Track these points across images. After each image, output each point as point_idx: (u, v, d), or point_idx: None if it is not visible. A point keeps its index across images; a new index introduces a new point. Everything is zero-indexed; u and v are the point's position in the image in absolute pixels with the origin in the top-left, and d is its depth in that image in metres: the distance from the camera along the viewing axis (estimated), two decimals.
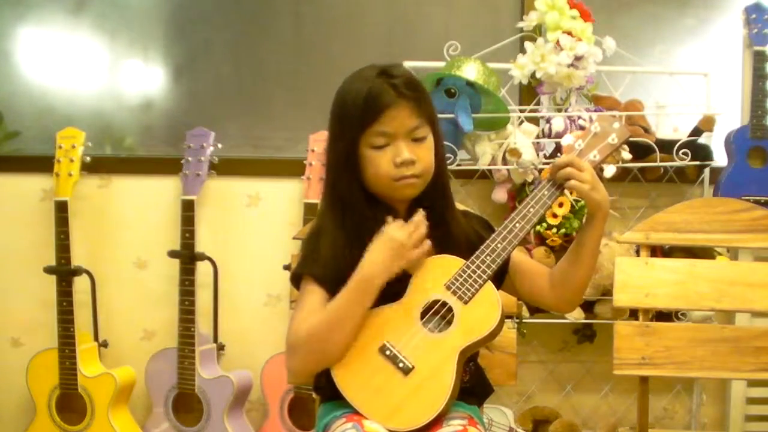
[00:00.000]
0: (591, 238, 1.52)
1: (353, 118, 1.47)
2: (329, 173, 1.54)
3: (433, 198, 1.54)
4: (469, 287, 1.45)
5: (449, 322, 1.45)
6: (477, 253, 1.48)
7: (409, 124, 1.47)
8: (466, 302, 1.45)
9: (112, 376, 2.58)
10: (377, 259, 1.44)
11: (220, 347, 2.73)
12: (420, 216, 1.48)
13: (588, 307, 2.57)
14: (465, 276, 1.46)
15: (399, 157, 1.47)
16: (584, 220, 1.55)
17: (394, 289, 1.47)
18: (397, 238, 1.45)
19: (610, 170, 2.41)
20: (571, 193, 2.34)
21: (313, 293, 1.49)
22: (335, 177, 1.52)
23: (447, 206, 1.56)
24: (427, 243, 1.47)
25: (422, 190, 1.52)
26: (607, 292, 2.48)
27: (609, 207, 1.52)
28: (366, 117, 1.46)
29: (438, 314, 1.46)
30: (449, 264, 1.48)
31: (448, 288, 1.46)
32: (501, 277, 1.57)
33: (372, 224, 1.50)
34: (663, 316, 2.40)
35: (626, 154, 2.47)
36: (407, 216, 1.54)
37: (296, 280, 1.54)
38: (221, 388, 2.58)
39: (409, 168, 1.47)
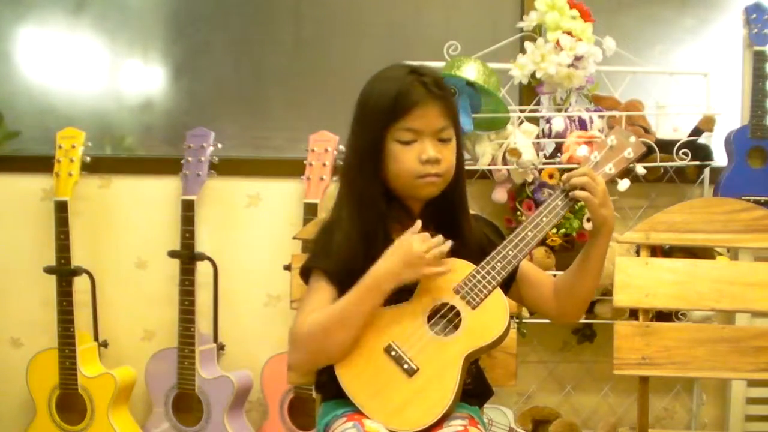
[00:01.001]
0: (595, 252, 1.53)
1: (382, 112, 1.47)
2: (350, 168, 1.54)
3: (450, 201, 1.54)
4: (478, 293, 1.45)
5: (456, 327, 1.46)
6: (488, 258, 1.48)
7: (437, 123, 1.48)
8: (474, 307, 1.45)
9: (112, 376, 2.58)
10: (390, 264, 1.44)
11: (220, 347, 2.73)
12: (444, 241, 1.46)
13: (588, 307, 2.56)
14: (474, 281, 1.46)
15: (425, 154, 1.47)
16: (590, 234, 1.55)
17: (402, 290, 1.47)
18: (415, 250, 1.43)
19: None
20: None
21: (322, 289, 1.50)
22: (357, 171, 1.51)
23: (462, 210, 1.56)
24: (446, 265, 1.45)
25: (441, 190, 1.52)
26: (607, 292, 2.48)
27: (614, 224, 1.52)
28: (396, 111, 1.46)
29: (445, 318, 1.46)
30: (459, 268, 1.48)
31: (457, 292, 1.46)
32: (508, 284, 1.57)
33: (387, 221, 1.51)
34: (663, 316, 2.40)
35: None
36: (421, 216, 1.54)
37: (306, 274, 1.54)
38: (221, 388, 2.58)
39: (434, 166, 1.48)
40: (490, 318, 1.45)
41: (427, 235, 1.45)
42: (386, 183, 1.51)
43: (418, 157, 1.47)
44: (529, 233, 1.50)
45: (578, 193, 1.48)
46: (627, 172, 2.59)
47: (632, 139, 1.56)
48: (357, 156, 1.51)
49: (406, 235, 1.46)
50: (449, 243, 1.46)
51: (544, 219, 1.51)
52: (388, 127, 1.47)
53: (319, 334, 1.45)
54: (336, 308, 1.45)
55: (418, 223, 1.46)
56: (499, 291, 1.47)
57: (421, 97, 1.46)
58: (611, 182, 1.55)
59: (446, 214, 1.54)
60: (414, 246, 1.43)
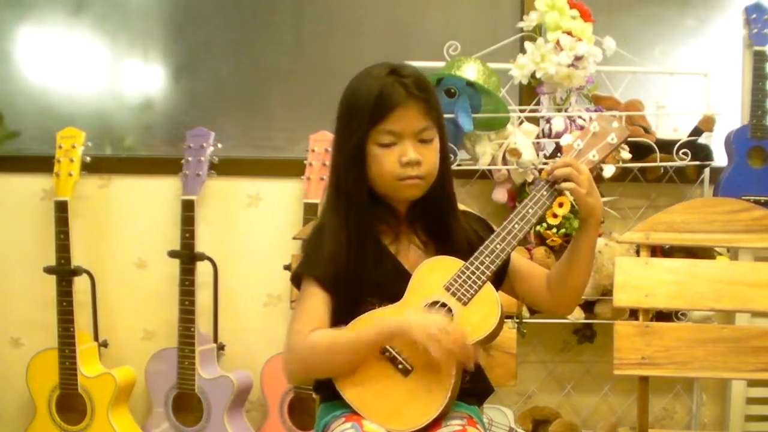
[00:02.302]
0: (585, 243, 1.52)
1: (363, 115, 1.46)
2: (336, 170, 1.53)
3: (437, 200, 1.53)
4: (468, 288, 1.45)
5: None
6: (476, 254, 1.47)
7: (417, 125, 1.47)
8: (465, 303, 1.44)
9: (112, 376, 2.58)
10: (410, 321, 1.40)
11: (220, 347, 2.73)
12: (472, 349, 1.41)
13: (588, 307, 2.57)
14: (464, 277, 1.46)
15: (405, 156, 1.46)
16: (579, 225, 1.55)
17: (393, 290, 1.47)
18: (437, 330, 1.37)
19: (609, 170, 2.41)
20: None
21: (314, 295, 1.49)
22: (342, 174, 1.50)
23: (450, 208, 1.56)
24: (453, 356, 1.39)
25: (425, 191, 1.51)
26: (607, 292, 2.48)
27: (602, 213, 1.52)
28: (375, 115, 1.45)
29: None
30: (448, 265, 1.48)
31: (447, 289, 1.45)
32: (500, 278, 1.56)
33: (374, 222, 1.51)
34: (663, 316, 2.40)
35: (626, 154, 2.47)
36: (407, 216, 1.54)
37: (297, 281, 1.54)
38: (221, 388, 2.58)
39: (414, 168, 1.47)
40: (481, 313, 1.44)
41: (457, 328, 1.40)
42: (371, 185, 1.51)
43: (398, 160, 1.46)
44: (516, 225, 1.49)
45: (563, 185, 1.48)
46: (625, 172, 2.62)
47: (615, 124, 1.54)
48: (342, 159, 1.50)
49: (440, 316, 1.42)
50: (466, 348, 1.40)
51: (530, 211, 1.50)
52: (369, 130, 1.46)
53: (320, 357, 1.45)
54: (342, 340, 1.44)
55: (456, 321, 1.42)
56: (489, 285, 1.46)
57: (400, 98, 1.45)
58: (597, 169, 1.54)
59: (433, 213, 1.54)
60: (440, 326, 1.37)
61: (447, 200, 1.55)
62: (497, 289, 1.51)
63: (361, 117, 1.46)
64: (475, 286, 1.45)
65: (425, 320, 1.40)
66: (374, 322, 1.43)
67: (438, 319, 1.39)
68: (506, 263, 1.55)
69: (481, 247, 1.48)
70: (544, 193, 1.51)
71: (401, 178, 1.48)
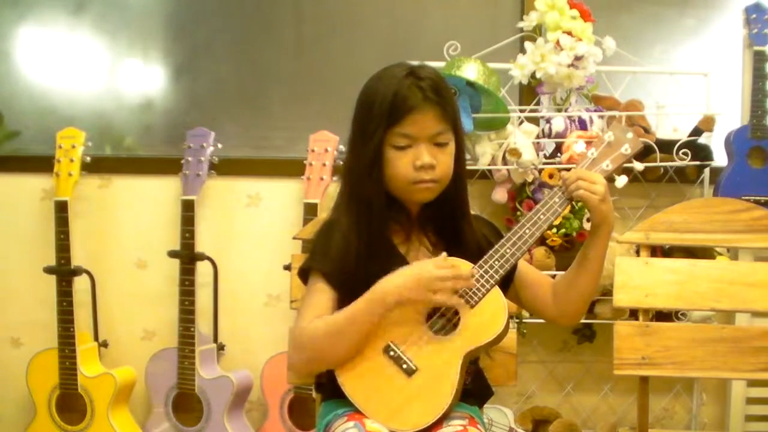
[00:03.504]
0: (595, 250, 1.52)
1: (379, 118, 1.46)
2: (351, 171, 1.53)
3: (449, 203, 1.54)
4: (477, 291, 1.45)
5: (455, 325, 1.45)
6: (485, 257, 1.47)
7: (432, 128, 1.47)
8: (472, 306, 1.44)
9: (112, 376, 2.58)
10: (401, 281, 1.42)
11: (220, 347, 2.73)
12: (468, 269, 1.44)
13: (588, 307, 2.56)
14: (473, 280, 1.46)
15: (419, 160, 1.46)
16: (589, 233, 1.54)
17: None
18: (431, 274, 1.40)
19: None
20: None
21: (321, 291, 1.49)
22: (358, 176, 1.50)
23: (462, 211, 1.56)
24: (457, 299, 1.42)
25: (437, 194, 1.51)
26: (607, 292, 2.48)
27: (614, 221, 1.51)
28: (391, 117, 1.45)
29: (444, 317, 1.46)
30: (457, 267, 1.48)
31: (456, 291, 1.45)
32: (506, 284, 1.56)
33: (386, 222, 1.51)
34: (663, 316, 2.40)
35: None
36: (419, 217, 1.54)
37: (304, 275, 1.54)
38: (221, 388, 2.58)
39: (428, 172, 1.47)
40: (488, 316, 1.45)
41: (445, 260, 1.43)
42: (385, 186, 1.50)
43: (412, 163, 1.47)
44: (527, 231, 1.49)
45: (577, 192, 1.48)
46: (628, 173, 2.61)
47: (629, 135, 1.55)
48: (356, 159, 1.51)
49: (425, 260, 1.44)
50: (469, 274, 1.43)
51: (542, 217, 1.50)
52: (384, 132, 1.46)
53: (320, 342, 1.45)
54: (339, 317, 1.44)
55: (443, 255, 1.44)
56: (497, 289, 1.46)
57: (416, 102, 1.45)
58: (608, 179, 1.54)
59: (445, 215, 1.54)
60: (432, 270, 1.40)
61: (460, 203, 1.55)
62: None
63: (377, 119, 1.46)
64: (484, 290, 1.45)
65: (415, 278, 1.40)
66: (366, 294, 1.42)
67: (427, 270, 1.40)
68: (513, 270, 1.55)
69: (491, 251, 1.48)
70: (557, 200, 1.51)
71: (415, 181, 1.48)
